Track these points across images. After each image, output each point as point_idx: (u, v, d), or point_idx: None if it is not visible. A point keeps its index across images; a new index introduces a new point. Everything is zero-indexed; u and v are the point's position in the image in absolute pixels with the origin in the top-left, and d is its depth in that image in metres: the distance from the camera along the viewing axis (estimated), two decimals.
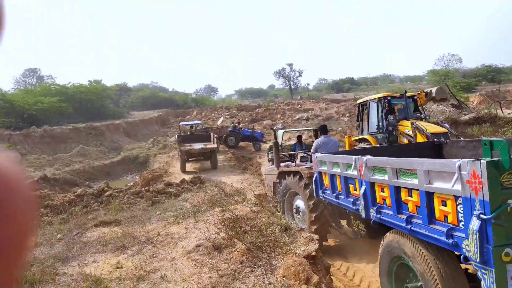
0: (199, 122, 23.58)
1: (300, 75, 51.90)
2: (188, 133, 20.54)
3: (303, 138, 14.92)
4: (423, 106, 13.94)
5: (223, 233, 4.57)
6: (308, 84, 59.00)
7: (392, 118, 12.87)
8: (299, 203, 6.87)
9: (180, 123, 23.41)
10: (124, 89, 49.32)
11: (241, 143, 22.18)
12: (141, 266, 4.21)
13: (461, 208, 2.65)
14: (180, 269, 4.13)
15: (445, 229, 2.77)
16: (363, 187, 4.00)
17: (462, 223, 2.64)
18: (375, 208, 3.82)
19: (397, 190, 3.44)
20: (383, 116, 13.03)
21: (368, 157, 3.99)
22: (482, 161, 2.42)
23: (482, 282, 2.48)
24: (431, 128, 11.73)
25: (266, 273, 3.78)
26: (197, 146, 17.27)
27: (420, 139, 11.63)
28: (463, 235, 2.61)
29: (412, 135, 11.93)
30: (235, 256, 4.18)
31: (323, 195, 5.50)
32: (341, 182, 4.71)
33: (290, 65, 51.33)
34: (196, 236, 4.88)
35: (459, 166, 2.59)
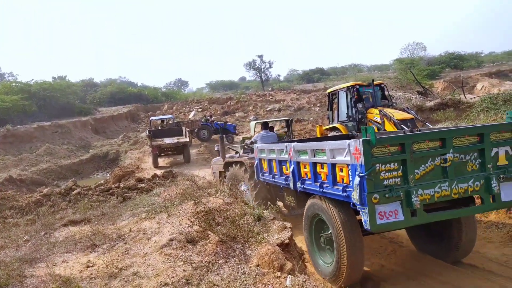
0: (170, 116, 23.22)
1: (270, 67, 51.85)
2: (159, 128, 20.17)
3: (275, 129, 15.00)
4: (390, 94, 14.29)
5: (196, 226, 4.54)
6: (279, 75, 59.18)
7: (361, 106, 13.12)
8: (244, 188, 7.64)
9: (151, 118, 22.98)
10: (91, 84, 47.73)
11: (213, 136, 22.05)
12: (113, 264, 4.12)
13: (350, 172, 4.00)
14: (153, 264, 4.07)
15: (341, 187, 4.15)
16: (292, 166, 5.32)
17: (351, 181, 3.97)
18: (300, 181, 5.16)
19: (314, 165, 4.78)
20: (352, 105, 13.25)
21: (295, 143, 5.46)
22: (360, 140, 3.76)
23: (362, 217, 3.85)
24: (398, 114, 12.05)
25: (240, 263, 3.79)
26: (169, 140, 17.04)
27: (388, 125, 11.94)
28: (351, 189, 3.93)
29: (380, 122, 12.23)
30: (209, 248, 4.17)
31: (262, 177, 6.83)
32: (277, 165, 6.03)
33: (261, 56, 51.12)
34: (169, 231, 4.83)
35: (349, 144, 3.95)
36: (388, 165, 3.88)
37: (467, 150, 4.15)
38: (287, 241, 4.08)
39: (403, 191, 3.84)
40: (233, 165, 8.39)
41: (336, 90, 14.12)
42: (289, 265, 3.59)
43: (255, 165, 7.14)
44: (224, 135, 22.09)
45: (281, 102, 33.05)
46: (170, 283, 3.52)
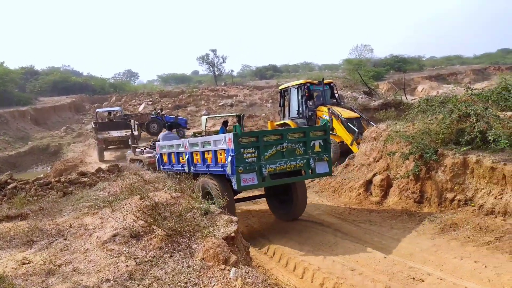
0: (118, 108, 22.42)
1: (224, 61, 51.52)
2: (106, 120, 19.40)
3: (228, 124, 15.03)
4: (339, 93, 14.81)
5: (141, 221, 4.45)
6: (232, 71, 58.88)
7: (311, 103, 13.50)
8: None
9: (97, 110, 22.07)
10: (31, 72, 44.48)
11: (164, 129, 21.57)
12: (51, 260, 3.93)
13: (226, 154, 6.13)
14: (94, 260, 3.94)
15: (220, 165, 6.38)
16: (187, 156, 7.51)
17: (226, 160, 6.07)
18: (193, 165, 7.36)
19: (203, 153, 6.93)
20: (303, 102, 13.60)
21: (189, 138, 7.93)
22: (231, 133, 5.93)
23: (232, 183, 6.04)
24: (346, 113, 12.56)
25: (186, 257, 3.78)
26: (116, 133, 16.48)
27: (336, 123, 12.41)
28: (226, 165, 6.05)
29: (329, 120, 12.66)
30: (154, 243, 4.11)
31: (163, 167, 8.89)
32: (175, 157, 8.13)
33: (214, 51, 50.61)
34: (113, 226, 4.69)
35: (225, 137, 6.14)
36: (248, 149, 6.04)
37: (297, 141, 6.54)
38: (232, 234, 4.12)
39: (257, 166, 6.07)
40: (135, 161, 11.13)
41: (288, 87, 14.41)
42: (233, 258, 3.64)
43: (156, 159, 9.42)
44: (176, 129, 21.83)
45: (234, 97, 33.06)
46: (111, 279, 3.44)
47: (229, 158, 5.93)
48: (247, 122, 21.38)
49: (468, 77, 36.51)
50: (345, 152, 11.54)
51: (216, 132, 13.94)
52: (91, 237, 4.58)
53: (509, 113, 6.94)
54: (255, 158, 6.06)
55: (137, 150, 12.52)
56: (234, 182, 5.92)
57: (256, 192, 8.69)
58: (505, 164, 5.79)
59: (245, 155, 5.96)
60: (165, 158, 8.69)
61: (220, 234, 4.07)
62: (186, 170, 7.48)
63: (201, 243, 3.97)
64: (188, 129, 22.27)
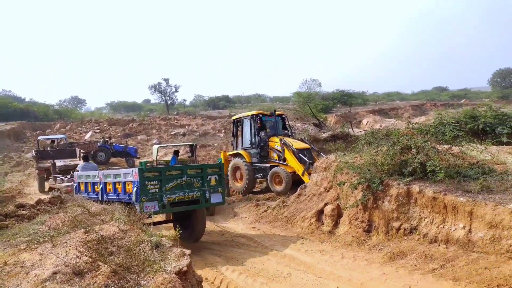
0: (62, 136, 21.28)
1: (176, 91, 51.02)
2: (49, 148, 18.32)
3: (180, 153, 14.76)
4: (290, 124, 15.21)
5: (85, 257, 4.15)
6: (184, 100, 58.52)
7: (263, 134, 13.73)
8: None
9: (39, 137, 20.82)
10: None
11: (113, 159, 20.80)
12: None
13: (133, 185, 7.21)
14: None
15: (127, 194, 7.44)
16: (101, 185, 8.55)
17: (133, 190, 7.16)
18: (105, 194, 8.37)
19: (114, 184, 8.03)
20: (256, 132, 13.79)
21: (103, 171, 9.04)
22: (137, 168, 7.21)
23: (137, 209, 6.75)
24: (297, 144, 12.88)
25: None
26: (60, 162, 15.54)
27: (287, 153, 12.65)
28: (133, 195, 7.14)
29: (281, 150, 12.91)
30: (99, 280, 3.84)
31: (80, 195, 9.56)
32: (91, 186, 9.15)
33: (166, 80, 50.11)
34: (53, 262, 4.33)
35: (132, 171, 7.37)
36: (152, 181, 7.18)
37: (195, 175, 7.78)
38: (185, 268, 3.97)
39: (159, 195, 7.23)
40: (53, 189, 12.02)
41: (241, 117, 14.59)
42: None
43: (74, 187, 10.42)
44: (125, 158, 21.07)
45: (186, 126, 32.76)
46: None
47: (135, 188, 7.10)
48: (200, 151, 21.17)
49: (407, 112, 39.21)
50: (297, 182, 11.74)
51: (167, 162, 13.65)
52: (28, 276, 4.19)
53: (446, 146, 7.50)
54: (157, 189, 7.23)
55: (58, 179, 13.43)
56: (138, 209, 6.91)
57: (165, 217, 9.45)
58: (445, 194, 6.19)
59: (148, 186, 7.13)
60: (82, 187, 9.79)
61: (171, 269, 3.90)
62: (100, 198, 8.58)
63: (151, 279, 3.77)
64: (138, 158, 21.60)
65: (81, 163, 11.93)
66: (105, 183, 8.41)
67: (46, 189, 15.20)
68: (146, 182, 7.09)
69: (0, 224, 6.66)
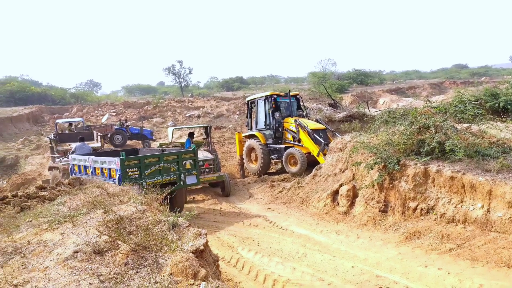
0: (80, 119, 21.64)
1: (190, 73, 51.14)
2: (67, 132, 18.66)
3: (195, 135, 14.85)
4: (305, 105, 15.06)
5: (105, 236, 4.26)
6: (199, 82, 58.54)
7: (278, 115, 13.63)
8: None
9: (57, 121, 21.22)
10: None
11: (129, 142, 21.04)
12: (6, 280, 3.67)
13: (116, 172, 8.33)
14: (54, 278, 3.72)
15: (113, 179, 8.43)
16: (92, 168, 9.47)
17: (116, 176, 8.28)
18: (95, 176, 9.12)
19: (102, 169, 8.93)
20: (270, 114, 13.71)
21: (92, 157, 9.77)
22: (119, 158, 8.21)
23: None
24: (312, 125, 12.77)
25: (153, 273, 3.65)
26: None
27: (302, 134, 12.57)
28: (116, 180, 8.22)
29: (295, 131, 12.84)
30: (119, 258, 3.94)
31: (74, 174, 10.43)
32: (84, 167, 10.01)
33: (180, 62, 50.16)
34: (74, 242, 4.46)
35: (115, 160, 8.34)
36: (132, 168, 8.25)
37: (171, 161, 8.81)
38: (202, 248, 4.03)
39: (139, 180, 8.06)
40: (53, 168, 13.26)
41: (255, 98, 14.50)
42: (203, 272, 3.55)
43: (69, 168, 11.20)
44: (141, 140, 21.33)
45: (201, 108, 32.83)
46: None
47: (118, 173, 8.19)
48: (214, 133, 21.25)
49: (426, 91, 38.33)
50: (312, 162, 11.70)
51: (182, 143, 13.76)
52: (51, 254, 4.33)
53: (465, 125, 7.32)
54: (137, 175, 8.28)
55: (56, 159, 14.58)
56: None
57: None
58: (463, 174, 6.07)
59: (129, 173, 8.18)
60: (76, 168, 10.67)
61: (188, 248, 3.97)
62: (91, 178, 9.62)
63: (169, 258, 3.85)
64: (154, 140, 21.83)
65: (77, 143, 12.67)
66: (94, 168, 9.44)
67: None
68: (127, 170, 8.14)
69: (23, 205, 6.87)
